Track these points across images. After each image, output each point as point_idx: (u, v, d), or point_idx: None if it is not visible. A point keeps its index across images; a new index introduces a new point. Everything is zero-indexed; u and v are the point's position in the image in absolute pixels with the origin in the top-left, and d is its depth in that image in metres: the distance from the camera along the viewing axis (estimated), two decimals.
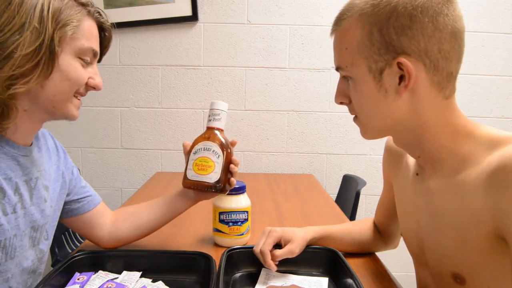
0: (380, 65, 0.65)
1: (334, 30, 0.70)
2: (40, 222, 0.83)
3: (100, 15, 0.80)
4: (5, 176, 0.75)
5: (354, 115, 0.74)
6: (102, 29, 0.81)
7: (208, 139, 0.92)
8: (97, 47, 0.79)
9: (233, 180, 0.94)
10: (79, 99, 0.79)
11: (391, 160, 0.88)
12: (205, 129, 0.94)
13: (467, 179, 0.64)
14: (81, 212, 0.96)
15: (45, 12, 0.71)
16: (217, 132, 0.93)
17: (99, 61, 0.83)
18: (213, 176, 0.91)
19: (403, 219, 0.85)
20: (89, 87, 0.79)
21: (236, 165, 0.93)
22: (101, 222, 0.99)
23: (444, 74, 0.65)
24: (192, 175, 0.92)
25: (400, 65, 0.64)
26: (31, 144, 0.82)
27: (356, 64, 0.66)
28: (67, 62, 0.74)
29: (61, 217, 0.95)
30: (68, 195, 0.94)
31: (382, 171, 0.95)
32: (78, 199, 0.96)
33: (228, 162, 0.92)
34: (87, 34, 0.76)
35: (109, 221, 1.00)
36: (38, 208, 0.82)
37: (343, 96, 0.72)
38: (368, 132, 0.74)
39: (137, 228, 1.00)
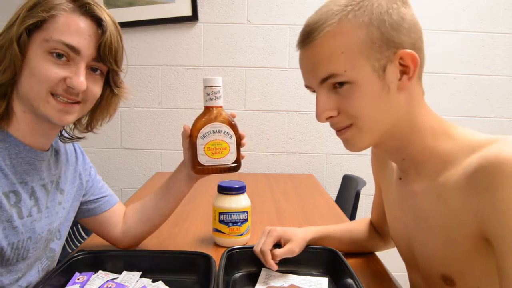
0: (383, 63, 0.65)
1: (311, 42, 0.66)
2: (54, 225, 0.84)
3: (90, 9, 0.74)
4: (21, 180, 0.76)
5: (341, 128, 0.69)
6: (99, 26, 0.74)
7: (214, 120, 0.88)
8: (74, 42, 0.71)
9: (243, 154, 0.93)
10: (60, 101, 0.73)
11: (377, 163, 0.89)
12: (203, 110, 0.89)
13: (448, 181, 0.64)
14: (97, 212, 0.96)
15: (25, 7, 0.71)
16: (221, 110, 0.89)
17: (107, 64, 0.76)
18: (230, 157, 0.89)
19: (391, 223, 0.85)
20: (69, 87, 0.72)
21: (243, 138, 0.92)
22: (117, 222, 0.98)
23: (422, 70, 0.68)
24: (206, 161, 0.89)
25: (401, 60, 0.65)
26: (48, 149, 0.82)
27: (357, 66, 0.64)
28: (34, 57, 0.71)
29: (78, 217, 0.96)
30: (84, 195, 0.94)
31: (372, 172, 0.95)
32: (94, 199, 0.96)
33: (239, 138, 0.91)
34: (60, 27, 0.71)
35: (123, 220, 1.00)
36: (53, 210, 0.83)
37: (331, 110, 0.67)
38: (365, 139, 0.69)
39: (146, 221, 0.99)
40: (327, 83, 0.66)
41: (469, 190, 0.59)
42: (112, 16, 0.78)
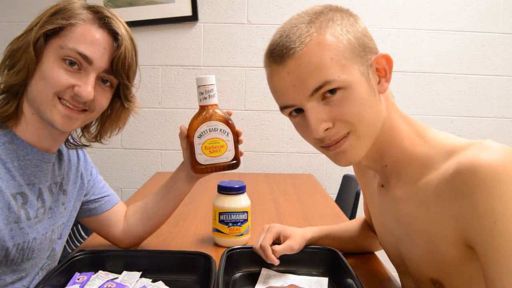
0: (366, 67, 0.65)
1: (293, 55, 0.63)
2: (57, 225, 0.85)
3: (109, 23, 0.74)
4: (29, 182, 0.77)
5: (338, 139, 0.66)
6: (115, 40, 0.75)
7: (210, 119, 0.88)
8: (88, 51, 0.72)
9: (242, 150, 0.93)
10: (67, 107, 0.74)
11: (359, 170, 0.89)
12: (198, 109, 0.90)
13: (429, 186, 0.64)
14: (98, 212, 0.96)
15: (47, 13, 0.73)
16: (216, 109, 0.89)
17: (119, 78, 0.77)
18: (228, 154, 0.89)
19: (378, 229, 0.85)
20: (76, 95, 0.73)
21: (240, 135, 0.92)
22: (118, 221, 0.99)
23: None
24: (205, 160, 0.89)
25: (377, 64, 0.67)
26: (54, 152, 0.83)
27: (348, 70, 0.63)
28: (48, 61, 0.72)
29: (79, 216, 0.96)
30: (86, 195, 0.95)
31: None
32: (95, 199, 0.96)
33: (236, 135, 0.91)
34: (77, 36, 0.72)
35: (124, 219, 1.01)
36: (57, 211, 0.84)
37: (326, 121, 0.64)
38: (363, 146, 0.67)
39: (147, 220, 0.99)
40: (318, 94, 0.63)
41: (448, 196, 0.60)
42: (130, 31, 0.79)
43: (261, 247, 0.85)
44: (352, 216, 1.66)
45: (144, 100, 2.20)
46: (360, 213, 1.10)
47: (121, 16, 0.79)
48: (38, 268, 0.82)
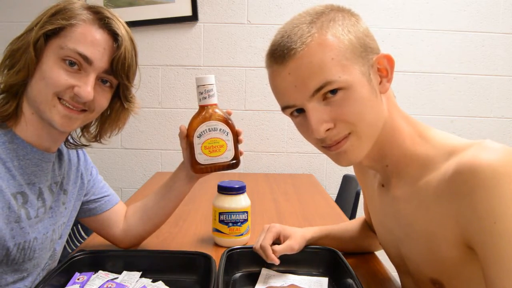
0: (367, 68, 0.65)
1: (294, 56, 0.63)
2: (58, 225, 0.85)
3: (109, 23, 0.74)
4: (29, 181, 0.77)
5: (339, 140, 0.66)
6: (115, 40, 0.76)
7: (210, 118, 0.88)
8: (88, 52, 0.72)
9: (242, 150, 0.93)
10: (66, 107, 0.74)
11: (360, 170, 0.89)
12: (198, 109, 0.90)
13: (429, 186, 0.64)
14: (98, 212, 0.97)
15: (47, 13, 0.73)
16: (215, 108, 0.89)
17: (119, 78, 0.77)
18: (228, 154, 0.89)
19: (377, 229, 0.85)
20: (75, 95, 0.73)
21: (240, 135, 0.92)
22: (118, 221, 0.99)
23: None
24: (205, 159, 0.89)
25: (378, 64, 0.67)
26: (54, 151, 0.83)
27: (349, 71, 0.63)
28: (48, 61, 0.72)
29: (79, 216, 0.96)
30: (85, 195, 0.95)
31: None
32: (95, 199, 0.96)
33: (236, 135, 0.91)
34: (77, 37, 0.72)
35: (124, 219, 1.01)
36: (57, 211, 0.85)
37: (327, 122, 0.64)
38: (364, 146, 0.67)
39: (147, 220, 1.00)
40: (319, 94, 0.63)
41: (448, 196, 0.60)
42: (130, 32, 0.79)
43: (261, 247, 0.85)
44: (352, 216, 1.66)
45: (144, 100, 2.20)
46: (360, 213, 1.10)
47: (121, 16, 0.79)
48: (40, 269, 0.83)
